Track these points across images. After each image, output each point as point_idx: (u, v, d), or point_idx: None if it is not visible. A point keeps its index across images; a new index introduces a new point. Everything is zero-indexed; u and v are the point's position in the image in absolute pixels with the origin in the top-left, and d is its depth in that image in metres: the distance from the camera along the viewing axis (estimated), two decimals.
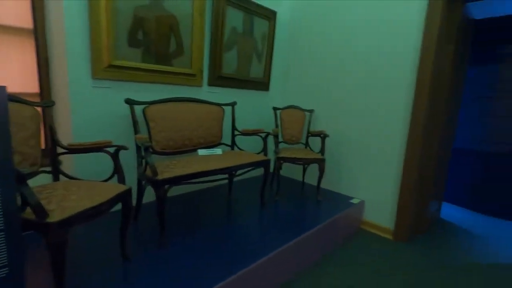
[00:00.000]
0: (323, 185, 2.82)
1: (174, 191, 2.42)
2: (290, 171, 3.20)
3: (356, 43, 2.59)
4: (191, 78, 2.39)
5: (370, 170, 2.56)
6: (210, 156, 2.04)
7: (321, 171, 2.49)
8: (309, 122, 2.89)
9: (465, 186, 3.35)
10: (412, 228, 2.47)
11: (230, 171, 1.98)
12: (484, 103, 3.15)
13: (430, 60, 2.15)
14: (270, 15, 2.94)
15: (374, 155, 2.53)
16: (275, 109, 2.87)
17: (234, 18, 2.63)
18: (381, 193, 2.49)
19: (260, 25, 2.90)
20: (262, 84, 3.10)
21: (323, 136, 2.58)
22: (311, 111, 2.90)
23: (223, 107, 2.44)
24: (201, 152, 2.09)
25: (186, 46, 2.31)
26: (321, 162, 2.47)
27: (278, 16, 3.05)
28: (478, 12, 2.85)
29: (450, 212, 3.19)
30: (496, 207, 3.12)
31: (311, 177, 2.89)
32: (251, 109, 3.02)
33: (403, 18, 2.28)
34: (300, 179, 3.05)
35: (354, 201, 2.57)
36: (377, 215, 2.53)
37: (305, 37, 2.99)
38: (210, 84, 2.60)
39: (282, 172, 3.30)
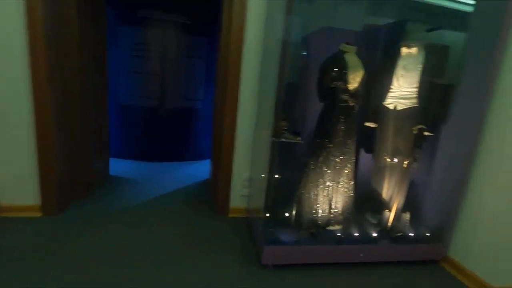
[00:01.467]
0: None
1: None
2: None
3: None
4: None
5: None
6: None
7: None
8: None
9: (132, 139, 3.67)
10: (68, 195, 2.26)
11: None
12: (135, 62, 3.44)
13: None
14: None
15: None
16: None
17: None
18: (17, 167, 1.99)
19: None
20: None
21: None
22: None
23: None
24: None
25: None
26: None
27: None
28: None
29: (120, 167, 3.37)
30: (155, 154, 3.73)
31: None
32: None
33: None
34: None
35: None
36: (18, 195, 2.03)
37: None
38: None
39: None
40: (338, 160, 1.86)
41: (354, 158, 1.92)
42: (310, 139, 1.95)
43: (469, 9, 1.89)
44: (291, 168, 2.04)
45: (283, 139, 1.79)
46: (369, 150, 2.22)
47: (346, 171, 1.90)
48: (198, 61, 3.68)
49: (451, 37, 2.08)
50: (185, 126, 3.82)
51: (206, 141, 4.00)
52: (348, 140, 1.86)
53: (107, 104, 2.90)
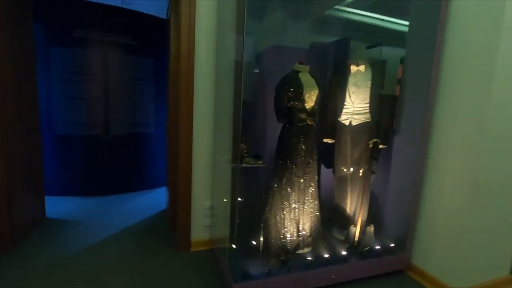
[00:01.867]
0: None
1: None
2: None
3: None
4: None
5: None
6: None
7: None
8: None
9: (73, 174, 3.24)
10: None
11: None
12: (72, 86, 3.09)
13: None
14: None
15: None
16: None
17: None
18: None
19: None
20: None
21: None
22: None
23: None
24: None
25: None
26: None
27: None
28: None
29: (60, 206, 2.92)
30: (102, 187, 3.34)
31: None
32: None
33: None
34: None
35: None
36: None
37: None
38: None
39: None
40: (302, 180, 1.81)
41: (317, 176, 1.90)
42: (272, 161, 1.88)
43: (404, 29, 2.04)
44: (255, 193, 1.94)
45: (244, 165, 1.69)
46: (329, 165, 2.24)
47: (310, 191, 1.86)
48: (145, 83, 3.45)
49: (386, 52, 2.23)
50: (136, 153, 3.51)
51: (161, 167, 3.72)
52: (310, 159, 1.83)
53: (39, 134, 2.52)
